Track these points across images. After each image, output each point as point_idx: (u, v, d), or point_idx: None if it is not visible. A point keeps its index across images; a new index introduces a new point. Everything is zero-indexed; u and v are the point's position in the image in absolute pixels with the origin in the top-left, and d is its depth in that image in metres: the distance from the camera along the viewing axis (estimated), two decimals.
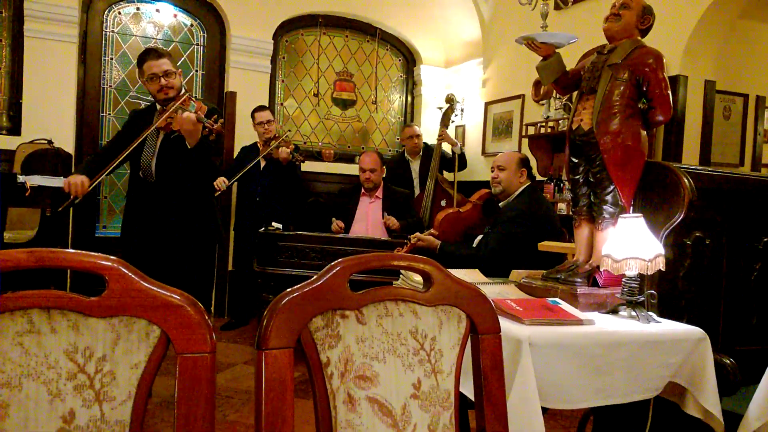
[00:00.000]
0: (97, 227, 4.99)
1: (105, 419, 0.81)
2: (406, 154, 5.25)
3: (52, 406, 0.79)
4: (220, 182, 4.38)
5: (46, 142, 4.40)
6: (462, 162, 5.11)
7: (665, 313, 1.86)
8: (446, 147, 5.04)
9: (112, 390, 0.82)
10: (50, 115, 4.59)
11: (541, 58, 2.11)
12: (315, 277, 0.95)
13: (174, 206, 3.13)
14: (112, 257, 0.84)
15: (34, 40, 4.55)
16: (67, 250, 0.83)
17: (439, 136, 4.89)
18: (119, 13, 4.99)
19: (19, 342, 0.78)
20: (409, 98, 6.21)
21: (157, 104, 3.13)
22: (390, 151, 6.01)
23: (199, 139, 2.97)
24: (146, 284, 0.85)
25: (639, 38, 1.98)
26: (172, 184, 3.10)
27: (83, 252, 0.83)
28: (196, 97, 3.15)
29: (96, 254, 0.84)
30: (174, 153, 3.04)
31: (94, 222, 4.98)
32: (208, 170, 3.29)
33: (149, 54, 3.05)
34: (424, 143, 5.21)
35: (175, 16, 5.18)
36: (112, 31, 4.98)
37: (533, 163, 4.59)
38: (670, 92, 1.92)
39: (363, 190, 4.48)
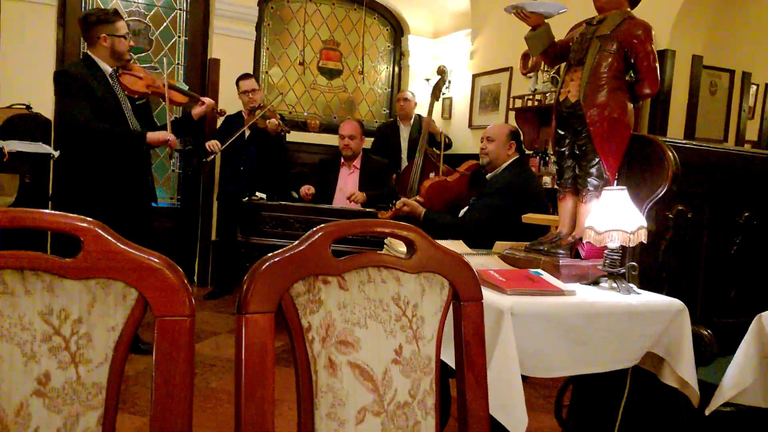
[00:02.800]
0: None
1: (81, 381, 0.80)
2: (397, 120, 5.25)
3: (26, 368, 0.77)
4: (213, 145, 4.37)
5: (24, 107, 4.29)
6: (447, 147, 5.10)
7: (646, 284, 1.88)
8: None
9: (89, 352, 0.81)
10: (28, 80, 4.47)
11: (530, 28, 2.09)
12: (297, 242, 0.93)
13: (144, 166, 3.41)
14: (88, 218, 0.82)
15: (11, 2, 4.41)
16: (42, 210, 0.81)
17: (424, 123, 4.83)
18: None
19: None
20: (396, 69, 6.14)
21: (103, 64, 3.20)
22: (376, 122, 5.96)
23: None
24: (123, 246, 0.83)
25: (628, 10, 1.96)
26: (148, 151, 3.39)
27: (59, 213, 0.81)
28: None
29: (72, 215, 0.82)
30: (146, 118, 3.39)
31: None
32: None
33: (118, 14, 3.23)
34: (417, 114, 5.19)
35: None
36: None
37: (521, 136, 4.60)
38: (657, 65, 1.91)
39: (342, 160, 4.46)
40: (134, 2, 4.98)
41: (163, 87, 3.32)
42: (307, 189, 4.42)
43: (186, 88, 3.63)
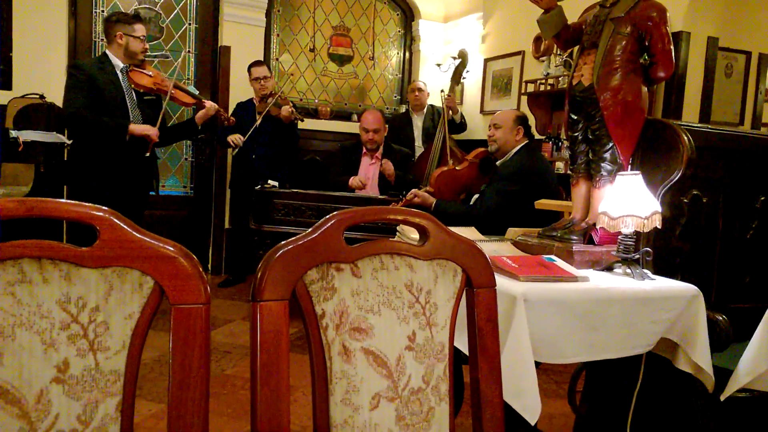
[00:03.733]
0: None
1: (99, 369, 0.81)
2: (410, 110, 5.20)
3: (46, 356, 0.79)
4: (236, 139, 4.43)
5: (38, 96, 4.32)
6: (462, 127, 5.05)
7: (660, 270, 1.87)
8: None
9: (106, 340, 0.82)
10: (42, 70, 4.50)
11: (542, 11, 2.06)
12: (310, 230, 0.94)
13: (146, 160, 3.53)
14: (103, 207, 0.83)
15: None
16: (58, 199, 0.82)
17: (447, 101, 4.71)
18: None
19: (11, 292, 0.77)
20: (407, 54, 6.10)
21: (116, 59, 3.46)
22: (387, 108, 5.93)
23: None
24: (139, 235, 0.84)
25: None
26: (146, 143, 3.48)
27: (74, 202, 0.82)
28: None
29: (87, 204, 0.83)
30: (153, 115, 3.53)
31: None
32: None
33: (139, 18, 3.62)
34: (430, 105, 5.13)
35: None
36: None
37: (532, 121, 4.55)
38: (672, 48, 1.89)
39: (364, 150, 4.42)
40: None
41: (169, 85, 3.52)
42: (357, 182, 4.35)
43: (195, 92, 3.76)
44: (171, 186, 5.25)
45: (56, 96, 4.47)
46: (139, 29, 3.44)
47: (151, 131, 3.40)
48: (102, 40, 4.88)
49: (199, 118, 3.68)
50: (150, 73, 3.51)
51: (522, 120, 3.19)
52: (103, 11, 4.85)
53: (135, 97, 3.47)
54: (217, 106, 3.73)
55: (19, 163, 4.06)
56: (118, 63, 3.43)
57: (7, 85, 4.48)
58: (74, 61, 3.62)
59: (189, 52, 5.17)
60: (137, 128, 3.37)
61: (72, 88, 3.33)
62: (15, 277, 0.78)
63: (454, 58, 4.89)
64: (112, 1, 4.88)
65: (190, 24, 5.16)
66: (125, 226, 0.83)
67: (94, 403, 0.81)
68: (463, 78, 5.08)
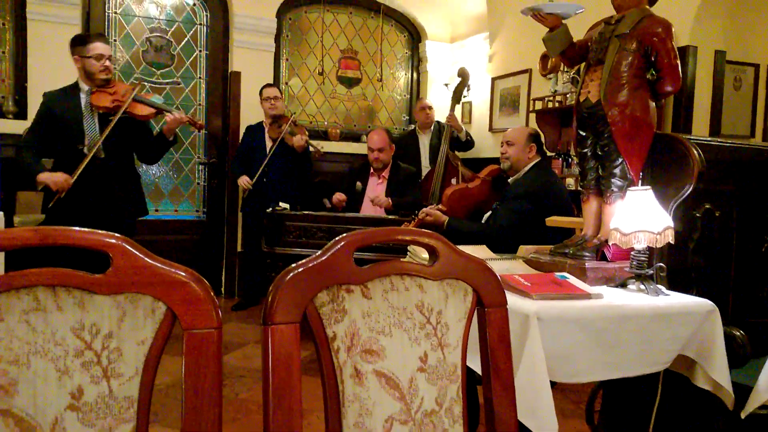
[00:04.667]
0: None
1: (113, 395, 0.82)
2: (416, 129, 5.22)
3: (60, 383, 0.79)
4: (245, 183, 4.50)
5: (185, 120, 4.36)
6: (469, 145, 5.08)
7: (675, 286, 1.85)
8: None
9: (120, 366, 0.82)
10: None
11: (547, 29, 2.08)
12: (320, 252, 0.94)
13: (116, 181, 3.37)
14: (116, 234, 0.84)
15: (37, 23, 4.53)
16: (71, 227, 0.83)
17: (448, 119, 4.79)
18: None
19: (25, 320, 0.78)
20: (415, 75, 6.15)
21: (82, 84, 3.32)
22: (396, 129, 5.97)
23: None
24: (151, 261, 0.84)
25: (647, 7, 1.95)
26: (117, 161, 3.36)
27: (87, 230, 0.83)
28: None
29: (100, 231, 0.84)
30: (120, 133, 3.29)
31: None
32: (163, 153, 3.69)
33: (99, 37, 3.42)
34: (436, 121, 5.17)
35: None
36: (115, 13, 4.95)
37: (541, 138, 4.56)
38: (678, 62, 1.89)
39: (372, 170, 4.44)
40: (156, 19, 5.07)
41: (127, 100, 3.26)
42: (339, 196, 4.41)
43: (159, 101, 3.55)
44: (184, 210, 5.30)
45: None
46: (94, 48, 3.23)
47: (53, 180, 3.07)
48: (114, 68, 4.97)
49: (166, 131, 3.42)
50: (112, 90, 3.28)
51: (535, 137, 3.19)
52: (115, 40, 4.95)
53: (97, 120, 3.26)
54: (182, 115, 3.44)
55: (35, 191, 4.11)
56: (84, 86, 3.30)
57: (23, 115, 4.56)
58: (45, 92, 3.47)
59: (200, 78, 5.25)
60: (43, 177, 3.09)
61: (33, 121, 3.35)
62: (30, 306, 0.79)
63: (457, 76, 4.93)
64: (124, 30, 4.98)
65: (200, 51, 5.25)
66: (137, 253, 0.84)
67: (108, 430, 0.81)
68: (464, 96, 5.12)
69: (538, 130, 4.35)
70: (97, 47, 3.25)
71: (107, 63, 3.27)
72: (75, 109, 3.26)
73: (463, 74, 4.87)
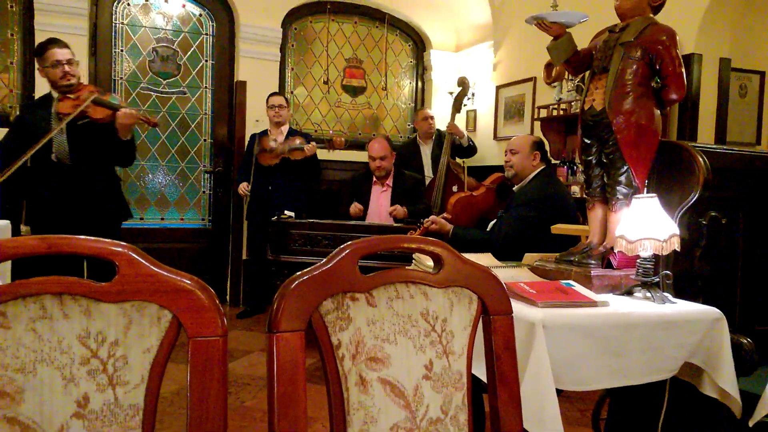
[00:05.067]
0: None
1: (119, 403, 0.82)
2: (418, 138, 5.22)
3: (66, 391, 0.79)
4: (242, 190, 4.54)
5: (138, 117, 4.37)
6: (471, 151, 5.08)
7: (681, 293, 1.85)
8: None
9: (125, 374, 0.82)
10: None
11: (551, 38, 2.08)
12: (325, 260, 0.94)
13: (88, 188, 3.28)
14: (122, 243, 0.84)
15: (45, 34, 4.54)
16: (78, 236, 0.83)
17: (448, 127, 4.82)
18: (128, 4, 5.00)
19: (32, 328, 0.79)
20: (420, 84, 6.17)
21: (53, 92, 3.25)
22: (401, 137, 5.98)
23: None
24: (157, 269, 0.85)
25: (651, 15, 1.95)
26: (87, 168, 3.26)
27: (93, 238, 0.84)
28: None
29: (106, 240, 0.84)
30: (87, 139, 3.22)
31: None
32: (130, 155, 3.50)
33: (52, 42, 3.25)
34: (437, 129, 5.18)
35: (184, 6, 5.18)
36: (122, 23, 4.99)
37: (546, 146, 4.56)
38: (683, 70, 1.89)
39: (374, 179, 4.45)
40: (162, 29, 5.11)
41: (84, 103, 3.14)
42: (358, 206, 4.40)
43: (115, 102, 3.32)
44: (190, 219, 5.31)
45: None
46: (50, 55, 3.14)
47: None
48: (121, 78, 5.01)
49: (119, 130, 3.19)
50: (75, 96, 3.15)
51: (539, 145, 3.19)
52: (122, 50, 4.99)
53: (65, 126, 3.14)
54: (132, 113, 3.21)
55: None
56: (54, 95, 3.22)
57: None
58: (21, 103, 3.44)
59: (206, 87, 5.28)
60: None
61: (6, 132, 3.35)
62: (37, 314, 0.79)
63: (457, 85, 4.95)
64: (131, 40, 5.02)
65: (207, 61, 5.28)
66: (143, 261, 0.84)
67: None
68: (464, 105, 5.13)
69: (543, 138, 4.36)
70: (54, 54, 3.17)
71: (66, 68, 3.17)
72: (45, 118, 3.18)
73: (463, 83, 4.89)
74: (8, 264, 2.64)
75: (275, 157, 4.57)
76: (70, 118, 3.08)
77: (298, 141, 4.55)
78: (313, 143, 4.53)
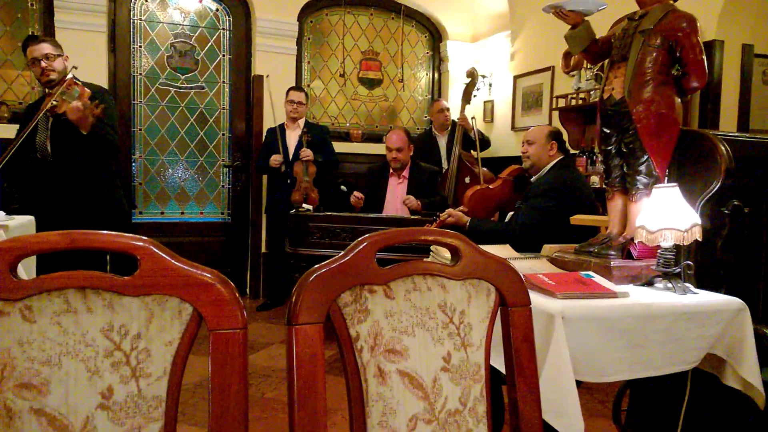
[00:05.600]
0: (133, 213, 5.10)
1: (142, 395, 0.84)
2: (433, 130, 5.21)
3: (90, 383, 0.81)
4: (275, 161, 4.66)
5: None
6: (484, 143, 5.06)
7: (703, 284, 1.82)
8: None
9: (148, 366, 0.84)
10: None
11: (569, 26, 2.06)
12: (343, 253, 0.95)
13: (72, 183, 3.23)
14: (143, 237, 0.86)
15: (65, 31, 4.63)
16: (99, 231, 0.85)
17: (459, 122, 4.81)
18: (146, 0, 5.04)
19: (57, 321, 0.80)
20: (436, 75, 6.14)
21: (45, 89, 3.26)
22: (418, 129, 5.96)
23: (93, 123, 3.07)
24: (177, 263, 0.86)
25: (671, 2, 1.92)
26: (70, 163, 3.21)
27: (115, 233, 0.85)
28: (80, 81, 3.14)
29: (128, 235, 0.85)
30: (66, 133, 3.14)
31: (130, 208, 5.08)
32: (106, 149, 3.31)
33: (29, 40, 3.24)
34: (453, 120, 5.16)
35: (201, 1, 5.21)
36: (140, 19, 5.03)
37: (564, 136, 4.52)
38: (704, 57, 1.86)
39: (391, 170, 4.44)
40: (180, 24, 5.15)
41: (51, 99, 3.09)
42: (357, 195, 4.42)
43: (76, 94, 3.15)
44: (209, 213, 5.37)
45: None
46: (29, 54, 3.14)
47: None
48: (140, 74, 5.06)
49: (79, 126, 3.05)
50: (53, 92, 3.08)
51: (555, 135, 3.16)
52: (140, 46, 5.03)
53: (48, 121, 3.16)
54: (77, 106, 2.99)
55: None
56: (46, 91, 3.22)
57: None
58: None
59: (224, 82, 5.31)
60: None
61: None
62: (61, 308, 0.81)
63: (466, 77, 4.93)
64: (149, 36, 5.06)
65: (224, 55, 5.31)
66: (164, 255, 0.85)
67: (138, 429, 0.83)
68: (474, 96, 5.10)
69: (561, 128, 4.32)
70: (30, 52, 3.17)
71: (43, 64, 3.13)
72: (33, 114, 3.17)
73: (471, 74, 4.86)
74: (33, 259, 2.69)
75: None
76: (40, 115, 3.07)
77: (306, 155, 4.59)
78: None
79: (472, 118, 4.96)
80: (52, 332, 0.80)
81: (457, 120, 4.83)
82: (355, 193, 4.42)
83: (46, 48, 3.18)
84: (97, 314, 0.82)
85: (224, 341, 0.86)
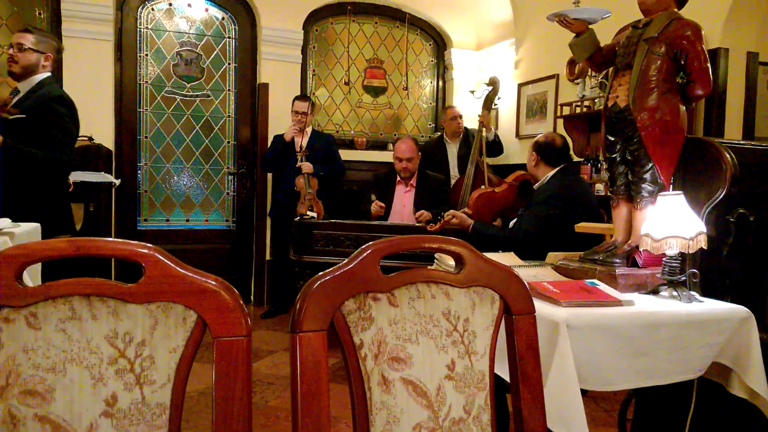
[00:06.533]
0: (138, 220, 5.12)
1: (146, 402, 0.84)
2: (444, 137, 5.16)
3: (95, 390, 0.81)
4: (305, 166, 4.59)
5: (87, 138, 4.50)
6: (498, 148, 5.03)
7: (708, 292, 1.82)
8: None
9: (152, 374, 0.84)
10: (90, 113, 4.66)
11: (573, 35, 2.06)
12: (347, 260, 0.95)
13: (13, 193, 2.85)
14: (148, 245, 0.86)
15: (72, 40, 4.66)
16: (105, 238, 0.85)
17: (480, 119, 4.75)
18: (152, 9, 5.08)
19: (62, 328, 0.81)
20: (441, 83, 6.15)
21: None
22: (422, 137, 5.97)
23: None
24: (182, 270, 0.86)
25: (675, 10, 1.92)
26: (9, 170, 2.82)
27: (120, 240, 0.86)
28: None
29: (133, 242, 0.86)
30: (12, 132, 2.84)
31: (135, 215, 5.10)
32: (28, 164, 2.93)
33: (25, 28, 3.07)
34: (465, 127, 5.14)
35: (207, 10, 5.24)
36: (146, 28, 5.06)
37: (569, 144, 4.50)
38: (709, 65, 1.86)
39: (398, 178, 4.44)
40: (186, 33, 5.18)
41: None
42: (378, 205, 4.40)
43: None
44: (214, 220, 5.38)
45: (104, 138, 4.69)
46: (12, 38, 2.97)
47: None
48: (146, 82, 5.09)
49: None
50: None
51: (537, 146, 3.10)
52: (147, 54, 5.06)
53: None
54: None
55: (70, 203, 4.21)
56: None
57: None
58: None
59: (229, 90, 5.34)
60: None
61: None
62: (66, 315, 0.81)
63: (487, 85, 4.90)
64: (155, 44, 5.09)
65: (229, 64, 5.34)
66: (169, 262, 0.86)
67: None
68: (495, 105, 5.06)
69: (566, 135, 4.32)
70: (13, 37, 2.97)
71: (10, 51, 2.93)
72: None
73: (493, 83, 4.83)
74: (38, 266, 2.70)
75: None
76: None
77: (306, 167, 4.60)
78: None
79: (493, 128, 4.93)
80: (57, 339, 0.80)
81: (479, 118, 4.71)
82: (377, 202, 4.39)
83: (24, 38, 2.95)
84: (102, 321, 0.82)
85: (228, 348, 0.86)
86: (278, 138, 4.87)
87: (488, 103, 4.79)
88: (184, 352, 0.86)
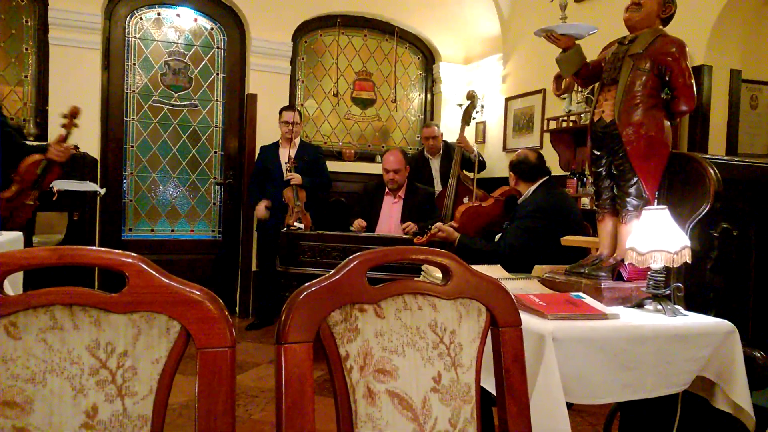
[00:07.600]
0: (123, 230, 5.07)
1: (127, 414, 0.82)
2: (425, 152, 5.22)
3: (75, 401, 0.80)
4: (262, 212, 4.68)
5: (72, 147, 4.45)
6: (481, 164, 5.07)
7: (693, 306, 1.83)
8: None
9: (134, 385, 0.83)
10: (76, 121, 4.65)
11: (561, 50, 2.09)
12: (333, 271, 0.94)
13: None
14: (132, 254, 0.85)
15: (59, 48, 4.64)
16: (88, 247, 0.84)
17: (458, 142, 4.80)
18: (141, 18, 5.06)
19: (42, 338, 0.79)
20: (429, 96, 6.19)
21: None
22: (410, 149, 5.98)
23: None
24: (166, 280, 0.85)
25: (660, 27, 1.95)
26: None
27: (104, 249, 0.84)
28: None
29: (116, 251, 0.85)
30: None
31: (119, 225, 5.05)
32: None
33: None
34: (444, 141, 5.17)
35: (196, 20, 5.24)
36: (134, 37, 5.05)
37: (555, 158, 4.55)
38: (693, 82, 1.88)
39: (387, 190, 4.45)
40: (174, 42, 5.17)
41: None
42: (359, 224, 4.41)
43: None
44: (200, 230, 5.34)
45: (90, 146, 4.64)
46: None
47: None
48: (133, 91, 5.06)
49: None
50: None
51: (513, 165, 3.22)
52: (134, 64, 5.04)
53: None
54: None
55: (54, 211, 4.17)
56: None
57: (44, 137, 4.64)
58: None
59: (217, 100, 5.33)
60: None
61: None
62: (47, 324, 0.80)
63: (466, 99, 4.95)
64: (143, 54, 5.07)
65: (218, 74, 5.33)
66: (153, 272, 0.85)
67: None
68: (473, 118, 5.11)
69: (550, 149, 4.35)
70: None
71: None
72: None
73: (471, 97, 4.89)
74: (20, 274, 2.66)
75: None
76: None
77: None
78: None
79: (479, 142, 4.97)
80: (38, 349, 0.79)
81: (456, 142, 4.80)
82: (360, 220, 4.39)
83: None
84: (84, 331, 0.81)
85: (212, 359, 0.85)
86: (265, 149, 4.86)
87: (467, 117, 4.85)
88: (167, 363, 0.85)
